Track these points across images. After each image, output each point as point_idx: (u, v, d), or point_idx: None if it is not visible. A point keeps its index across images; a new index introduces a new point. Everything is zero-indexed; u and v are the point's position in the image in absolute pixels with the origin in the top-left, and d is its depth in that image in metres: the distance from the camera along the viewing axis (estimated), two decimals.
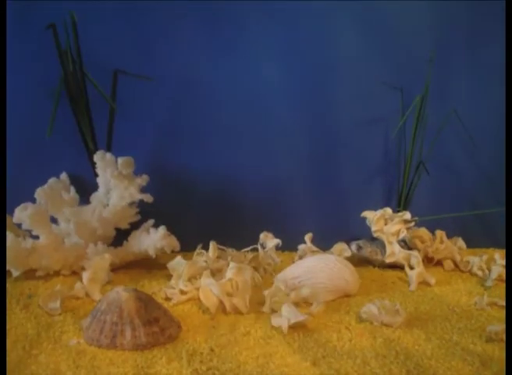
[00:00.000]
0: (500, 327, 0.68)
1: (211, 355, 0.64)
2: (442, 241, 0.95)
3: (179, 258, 0.84)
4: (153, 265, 0.92)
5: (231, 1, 0.90)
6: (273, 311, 0.74)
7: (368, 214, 0.89)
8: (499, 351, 0.66)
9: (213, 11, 0.90)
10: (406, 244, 0.95)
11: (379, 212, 0.89)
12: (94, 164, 0.89)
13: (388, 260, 0.88)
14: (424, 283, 0.87)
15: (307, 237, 0.93)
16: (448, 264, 0.94)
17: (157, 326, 0.65)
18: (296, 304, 0.75)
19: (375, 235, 0.89)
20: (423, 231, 0.95)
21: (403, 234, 0.89)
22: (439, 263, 0.95)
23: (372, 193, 0.98)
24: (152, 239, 0.86)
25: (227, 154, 0.95)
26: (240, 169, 0.94)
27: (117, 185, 0.87)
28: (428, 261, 0.95)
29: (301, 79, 0.93)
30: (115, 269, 0.88)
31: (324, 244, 0.94)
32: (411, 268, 0.87)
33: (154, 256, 0.88)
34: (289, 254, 0.97)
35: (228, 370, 0.60)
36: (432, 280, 0.85)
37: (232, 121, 0.94)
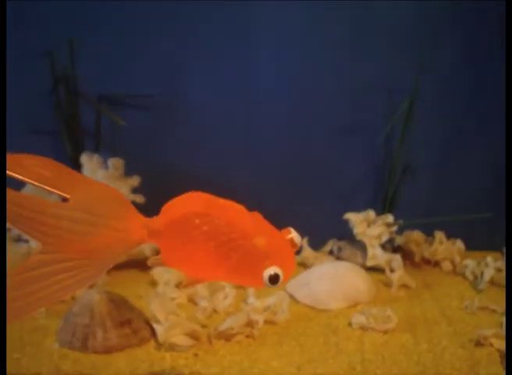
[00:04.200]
0: (489, 332, 0.67)
1: (194, 359, 0.64)
2: (441, 242, 0.94)
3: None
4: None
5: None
6: None
7: (351, 216, 0.88)
8: (487, 357, 0.65)
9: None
10: (393, 247, 0.94)
11: (362, 215, 0.88)
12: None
13: (369, 263, 0.87)
14: (418, 286, 0.86)
15: (304, 241, 0.92)
16: (447, 265, 0.93)
17: (129, 327, 0.65)
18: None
19: (357, 238, 0.88)
20: (417, 234, 0.94)
21: (386, 237, 0.88)
22: (437, 265, 0.94)
23: (362, 195, 0.97)
24: None
25: (214, 155, 0.95)
26: (228, 172, 0.94)
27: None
28: (426, 263, 0.94)
29: (288, 82, 0.93)
30: (109, 271, 0.88)
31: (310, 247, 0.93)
32: (392, 271, 0.86)
33: (150, 256, 0.88)
34: None
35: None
36: (413, 284, 0.84)
37: (217, 124, 0.94)
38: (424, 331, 0.71)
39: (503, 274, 0.86)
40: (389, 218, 0.88)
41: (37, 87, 0.90)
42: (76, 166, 0.88)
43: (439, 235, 0.94)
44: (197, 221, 0.40)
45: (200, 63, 0.92)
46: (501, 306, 0.76)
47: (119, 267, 0.89)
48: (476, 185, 0.97)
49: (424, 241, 0.95)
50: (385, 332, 0.70)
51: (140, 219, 0.41)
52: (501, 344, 0.66)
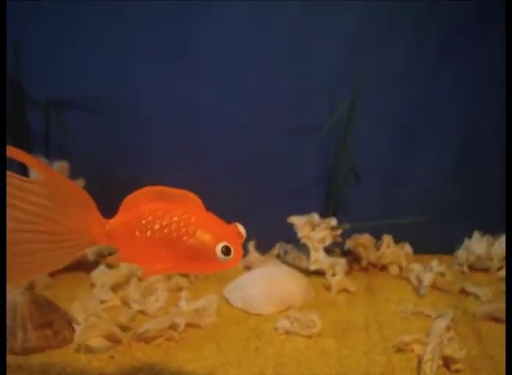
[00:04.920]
0: (411, 338, 0.66)
1: (108, 362, 0.64)
2: (388, 246, 0.93)
3: (102, 267, 0.84)
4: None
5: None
6: None
7: (295, 219, 0.88)
8: (404, 363, 0.64)
9: None
10: (342, 251, 0.93)
11: (305, 218, 0.87)
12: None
13: (312, 267, 0.87)
14: (360, 290, 0.86)
15: (251, 245, 0.93)
16: (394, 269, 0.92)
17: (50, 329, 0.66)
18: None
19: (301, 241, 0.88)
20: (365, 238, 0.93)
21: (329, 241, 0.87)
22: (385, 269, 0.93)
23: (313, 198, 0.97)
24: None
25: (161, 159, 0.95)
26: (174, 175, 0.93)
27: None
28: (373, 267, 0.94)
29: (236, 83, 0.93)
30: (54, 273, 0.89)
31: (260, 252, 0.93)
32: (334, 275, 0.85)
33: (92, 260, 0.89)
34: None
35: None
36: (353, 288, 0.84)
37: (165, 126, 0.94)
38: (349, 336, 0.71)
39: (446, 278, 0.86)
40: (333, 221, 0.88)
41: None
42: (23, 170, 0.90)
43: (387, 239, 0.93)
44: (149, 218, 0.44)
45: (147, 67, 0.93)
46: (436, 311, 0.76)
47: (63, 269, 0.90)
48: (426, 187, 0.96)
49: (373, 244, 0.94)
50: (309, 337, 0.70)
51: (100, 219, 0.46)
52: (422, 350, 0.65)
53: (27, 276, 0.45)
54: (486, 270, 0.93)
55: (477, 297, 0.83)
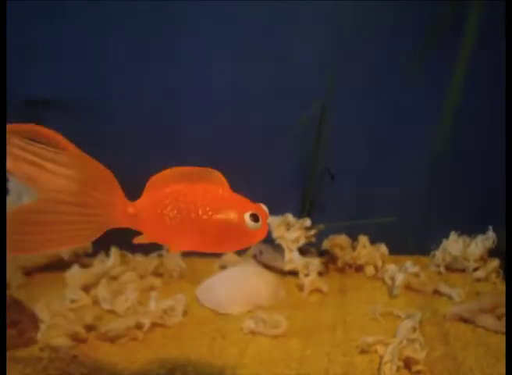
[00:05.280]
0: (374, 339, 0.66)
1: (70, 361, 0.64)
2: (364, 246, 0.93)
3: (76, 267, 0.84)
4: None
5: None
6: None
7: (270, 220, 0.87)
8: (367, 363, 0.64)
9: None
10: (320, 251, 0.93)
11: (280, 218, 0.87)
12: None
13: (286, 267, 0.86)
14: (333, 290, 0.85)
15: None
16: (370, 270, 0.92)
17: (15, 329, 0.66)
18: None
19: (276, 241, 0.88)
20: (342, 238, 0.93)
21: (303, 241, 0.87)
22: (361, 269, 0.93)
23: (287, 200, 0.97)
24: None
25: (137, 158, 0.95)
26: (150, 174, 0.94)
27: (29, 189, 0.89)
28: (349, 267, 0.93)
29: (212, 82, 0.93)
30: (29, 272, 0.90)
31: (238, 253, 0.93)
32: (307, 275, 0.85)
33: (67, 259, 0.89)
34: (211, 260, 0.96)
35: None
36: (325, 288, 0.83)
37: (142, 125, 0.95)
38: (315, 337, 0.71)
39: (420, 279, 0.85)
40: (307, 222, 0.88)
41: None
42: None
43: (363, 240, 0.92)
44: (173, 197, 0.44)
45: (124, 64, 0.93)
46: (406, 312, 0.75)
47: (39, 269, 0.91)
48: (402, 187, 0.95)
49: (350, 245, 0.94)
50: (275, 337, 0.70)
51: (124, 200, 0.45)
52: (385, 351, 0.65)
53: (50, 246, 0.44)
54: (463, 271, 0.92)
55: (450, 298, 0.82)
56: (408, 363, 0.62)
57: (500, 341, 0.69)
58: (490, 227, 0.90)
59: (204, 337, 0.70)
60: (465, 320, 0.74)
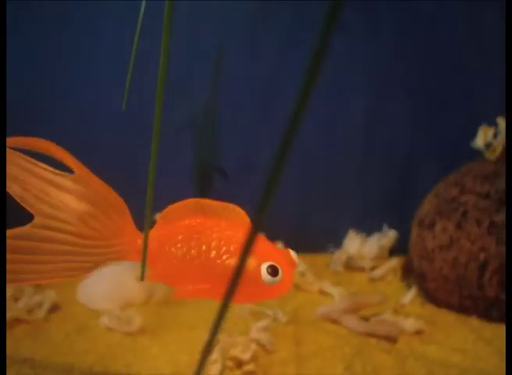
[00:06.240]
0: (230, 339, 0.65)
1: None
2: None
3: None
4: None
5: None
6: None
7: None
8: (209, 364, 0.63)
9: None
10: None
11: None
12: None
13: None
14: None
15: None
16: None
17: None
18: None
19: None
20: None
21: None
22: None
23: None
24: None
25: (114, 151, 0.94)
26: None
27: None
28: None
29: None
30: None
31: None
32: None
33: None
34: None
35: None
36: None
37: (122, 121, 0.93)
38: (169, 336, 0.70)
39: (306, 278, 0.84)
40: None
41: None
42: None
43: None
44: (187, 233, 0.39)
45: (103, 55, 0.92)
46: (273, 311, 0.74)
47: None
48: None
49: None
50: (128, 334, 0.70)
51: (134, 231, 0.41)
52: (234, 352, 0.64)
53: (45, 277, 0.40)
54: (363, 270, 0.90)
55: (333, 297, 0.80)
56: (239, 364, 0.61)
57: (358, 344, 0.67)
58: (385, 225, 0.87)
59: (60, 332, 0.70)
60: (333, 320, 0.73)
